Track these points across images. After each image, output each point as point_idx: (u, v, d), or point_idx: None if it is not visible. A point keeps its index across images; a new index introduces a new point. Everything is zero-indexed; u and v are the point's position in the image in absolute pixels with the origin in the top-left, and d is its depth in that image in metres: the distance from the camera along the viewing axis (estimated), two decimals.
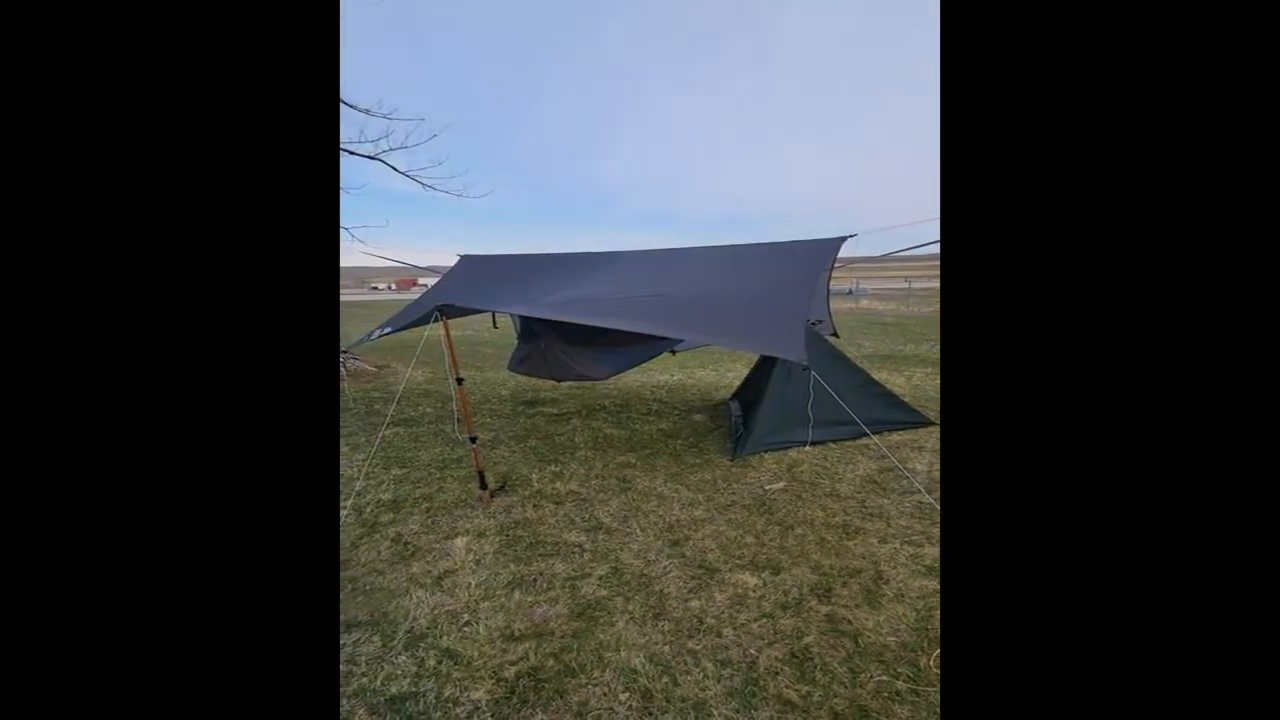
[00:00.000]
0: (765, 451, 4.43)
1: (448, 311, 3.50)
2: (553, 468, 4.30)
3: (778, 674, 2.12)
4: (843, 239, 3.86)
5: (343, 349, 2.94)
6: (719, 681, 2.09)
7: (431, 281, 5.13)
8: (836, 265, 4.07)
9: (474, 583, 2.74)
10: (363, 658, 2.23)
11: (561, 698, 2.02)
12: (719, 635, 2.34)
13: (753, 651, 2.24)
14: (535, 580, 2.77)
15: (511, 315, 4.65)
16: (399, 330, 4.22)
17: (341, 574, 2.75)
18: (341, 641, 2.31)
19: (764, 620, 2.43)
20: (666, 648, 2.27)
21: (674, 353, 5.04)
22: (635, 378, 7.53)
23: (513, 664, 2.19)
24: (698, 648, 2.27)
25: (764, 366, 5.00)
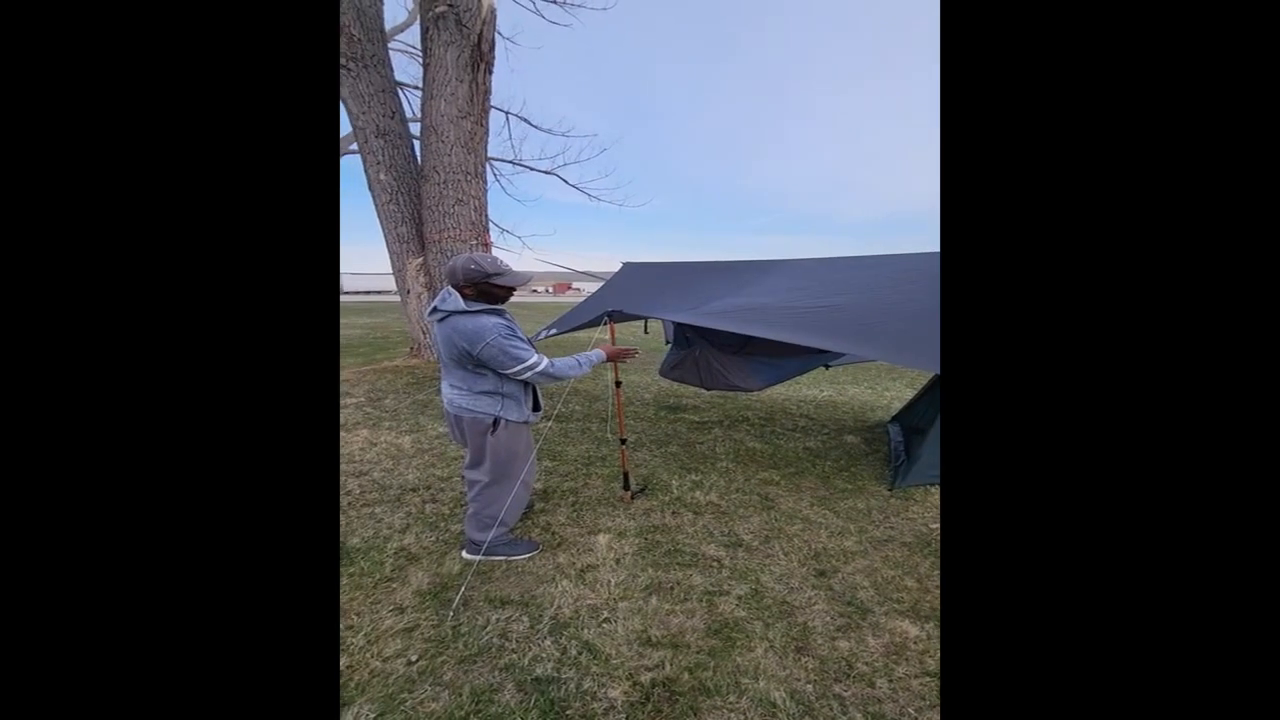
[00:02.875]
0: (932, 485, 3.94)
1: (615, 316, 3.63)
2: (692, 476, 4.27)
3: None
4: None
5: None
6: None
7: (587, 286, 5.41)
8: None
9: (614, 581, 2.80)
10: (513, 635, 2.39)
11: (695, 716, 1.96)
12: (871, 685, 2.11)
13: (912, 711, 1.98)
14: (672, 589, 2.75)
15: (663, 321, 4.71)
16: (565, 332, 4.49)
17: (496, 556, 2.99)
18: (494, 617, 2.50)
19: (927, 679, 2.13)
20: (810, 687, 2.10)
21: (827, 367, 4.72)
22: (780, 391, 7.22)
23: (648, 670, 2.18)
24: (846, 694, 2.07)
25: (936, 388, 4.46)
